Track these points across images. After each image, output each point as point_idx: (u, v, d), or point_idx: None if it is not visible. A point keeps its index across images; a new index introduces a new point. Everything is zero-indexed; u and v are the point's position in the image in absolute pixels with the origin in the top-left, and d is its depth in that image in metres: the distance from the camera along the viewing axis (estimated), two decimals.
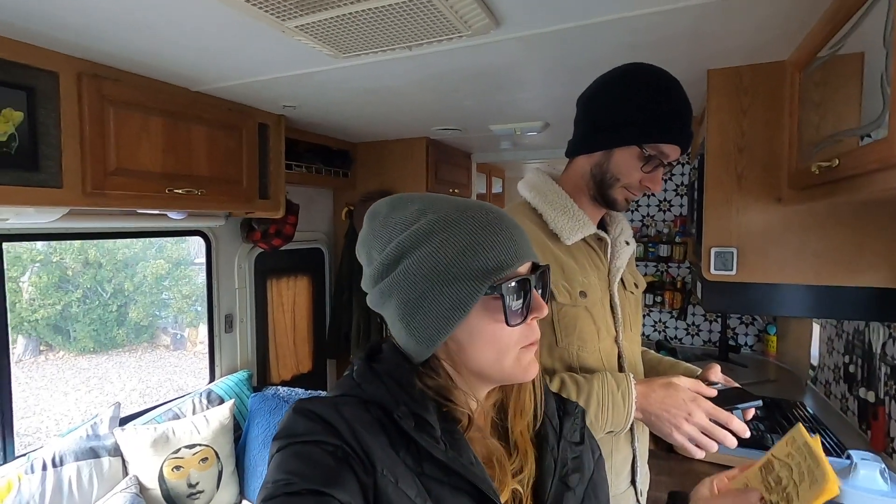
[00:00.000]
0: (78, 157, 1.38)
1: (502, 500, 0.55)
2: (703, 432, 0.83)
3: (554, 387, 0.90)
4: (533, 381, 0.64)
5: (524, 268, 0.58)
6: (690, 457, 0.86)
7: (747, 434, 0.83)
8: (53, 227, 1.58)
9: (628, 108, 0.95)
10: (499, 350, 0.57)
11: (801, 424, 0.65)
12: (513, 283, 0.55)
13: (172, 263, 8.36)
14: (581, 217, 0.98)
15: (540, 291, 0.59)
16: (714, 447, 0.83)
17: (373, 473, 0.50)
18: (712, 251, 1.49)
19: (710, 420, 0.83)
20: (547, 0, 1.06)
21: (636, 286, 1.13)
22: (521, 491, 0.59)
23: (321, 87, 1.70)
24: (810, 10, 1.09)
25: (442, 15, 1.07)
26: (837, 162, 0.94)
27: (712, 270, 1.49)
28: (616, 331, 1.01)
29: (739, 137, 1.47)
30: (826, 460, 0.60)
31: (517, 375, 0.59)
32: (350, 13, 1.07)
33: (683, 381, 0.88)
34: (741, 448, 1.56)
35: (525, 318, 0.57)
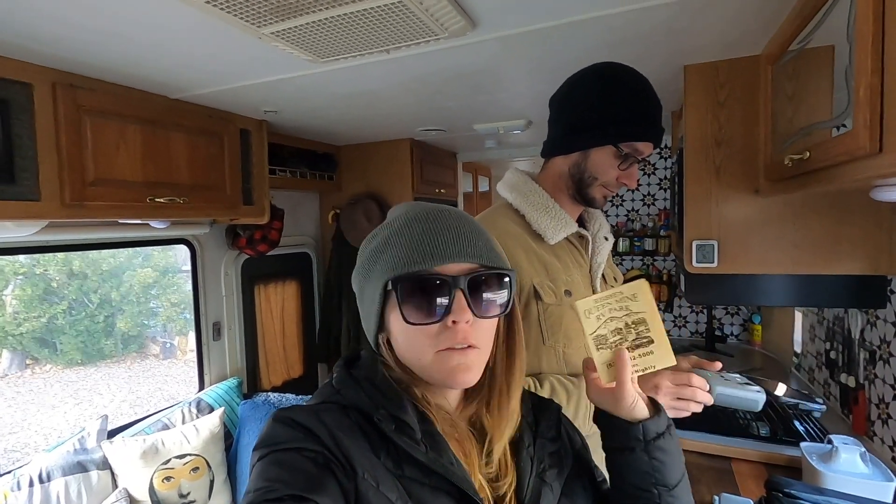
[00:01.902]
0: (55, 169, 1.36)
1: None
2: (676, 397, 0.83)
3: (545, 392, 0.92)
4: (511, 394, 0.62)
5: (454, 268, 0.56)
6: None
7: (707, 387, 0.84)
8: (33, 241, 1.56)
9: (602, 109, 0.96)
10: (413, 349, 0.57)
11: (579, 302, 0.69)
12: (410, 281, 0.55)
13: (160, 272, 8.26)
14: (563, 216, 0.99)
15: (482, 295, 0.57)
16: (693, 406, 0.84)
17: (354, 478, 0.51)
18: (693, 244, 1.51)
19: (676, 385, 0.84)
20: (522, 0, 1.07)
21: (616, 280, 1.15)
22: (489, 493, 0.58)
23: (301, 92, 1.69)
24: (781, 4, 1.11)
25: (417, 18, 1.08)
26: (808, 154, 0.97)
27: (694, 263, 1.51)
28: None
29: (717, 131, 1.49)
30: (619, 286, 0.69)
31: (441, 380, 0.57)
32: (324, 18, 1.06)
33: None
34: (727, 437, 1.60)
35: (440, 319, 0.55)
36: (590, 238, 1.05)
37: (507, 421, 0.61)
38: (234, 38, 1.19)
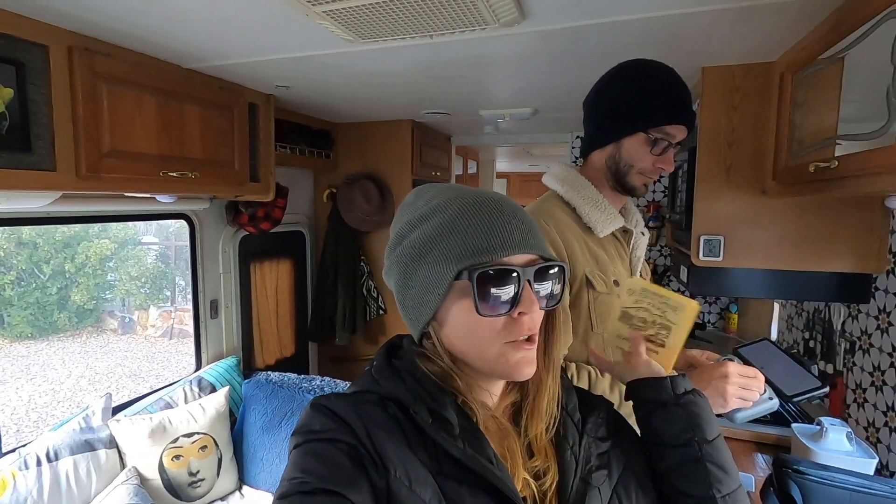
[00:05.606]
0: (71, 138, 1.29)
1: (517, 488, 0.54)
2: (742, 387, 0.85)
3: (583, 381, 0.96)
4: (549, 384, 0.61)
5: (519, 259, 0.55)
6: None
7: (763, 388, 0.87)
8: (37, 212, 1.48)
9: (628, 99, 1.01)
10: (476, 341, 0.56)
11: (632, 279, 0.74)
12: (487, 272, 0.53)
13: (118, 243, 7.87)
14: (612, 211, 1.04)
15: (541, 287, 0.56)
16: (756, 395, 0.86)
17: (385, 476, 0.50)
18: (701, 238, 1.60)
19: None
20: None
21: (648, 273, 1.21)
22: (535, 489, 0.57)
23: (323, 69, 1.65)
24: (806, 20, 1.19)
25: (475, 7, 1.08)
26: (836, 164, 1.04)
27: (701, 256, 1.60)
28: None
29: (730, 132, 1.57)
30: (671, 292, 0.75)
31: (504, 372, 0.56)
32: (382, 1, 1.05)
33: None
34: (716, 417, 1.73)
35: (508, 311, 0.54)
36: (634, 232, 1.10)
37: (544, 408, 0.60)
38: (279, 12, 1.16)
